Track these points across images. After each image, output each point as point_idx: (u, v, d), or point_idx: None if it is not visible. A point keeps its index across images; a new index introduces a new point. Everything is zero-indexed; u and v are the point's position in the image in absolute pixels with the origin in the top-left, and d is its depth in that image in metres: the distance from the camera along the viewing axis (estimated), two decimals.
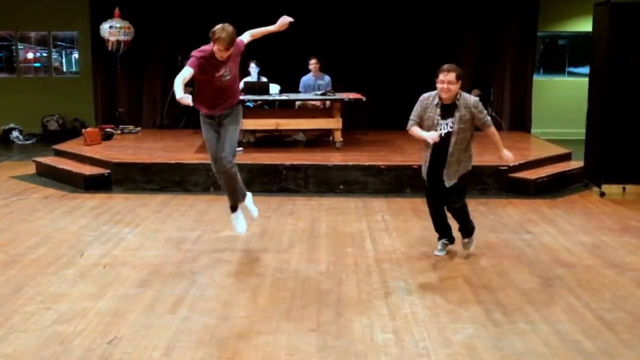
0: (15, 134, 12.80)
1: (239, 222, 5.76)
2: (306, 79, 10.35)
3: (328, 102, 9.83)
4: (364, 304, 4.55)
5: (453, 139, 5.15)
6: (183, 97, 4.99)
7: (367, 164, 8.23)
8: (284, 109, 10.28)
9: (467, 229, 5.56)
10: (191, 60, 5.25)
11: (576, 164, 8.89)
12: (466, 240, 5.62)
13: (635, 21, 7.73)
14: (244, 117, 9.14)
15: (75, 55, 14.02)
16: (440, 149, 5.19)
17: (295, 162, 8.30)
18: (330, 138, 9.80)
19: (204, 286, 4.89)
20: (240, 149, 9.11)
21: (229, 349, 3.86)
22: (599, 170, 8.07)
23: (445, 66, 5.07)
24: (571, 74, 13.41)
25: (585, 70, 10.63)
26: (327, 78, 10.29)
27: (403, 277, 5.09)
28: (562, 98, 12.80)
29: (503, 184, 8.10)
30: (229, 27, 5.16)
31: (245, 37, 5.56)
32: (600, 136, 8.03)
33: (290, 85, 10.41)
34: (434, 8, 11.87)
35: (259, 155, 8.78)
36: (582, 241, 6.09)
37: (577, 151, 9.07)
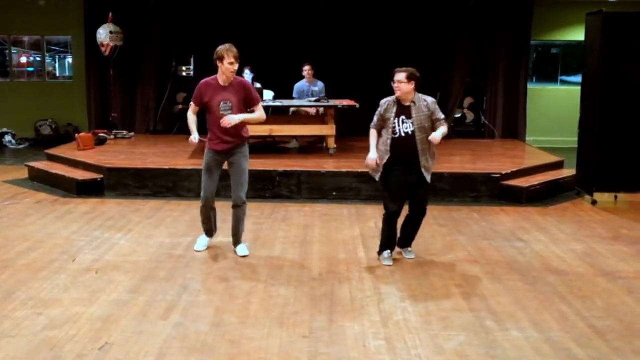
0: (8, 138, 12.77)
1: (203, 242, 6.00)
2: (300, 85, 10.35)
3: (322, 109, 9.85)
4: (356, 311, 4.55)
5: (417, 139, 5.29)
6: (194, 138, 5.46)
7: (360, 170, 8.22)
8: (278, 115, 10.28)
9: (414, 236, 5.69)
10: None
11: (568, 172, 8.93)
12: (410, 249, 5.71)
13: (627, 31, 7.80)
14: None
15: (69, 60, 14.00)
16: (403, 149, 5.30)
17: (289, 169, 8.30)
18: (324, 144, 9.81)
19: (196, 292, 4.88)
20: None
21: (221, 355, 3.85)
22: (591, 179, 8.10)
23: (398, 68, 5.38)
24: (564, 82, 13.50)
25: (578, 79, 10.70)
26: (320, 84, 10.29)
27: (396, 284, 5.10)
28: (555, 106, 12.90)
29: (496, 191, 8.13)
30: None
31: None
32: (592, 144, 8.07)
33: (284, 91, 10.42)
34: (428, 16, 11.91)
35: (253, 161, 8.61)
36: (573, 249, 6.12)
37: (570, 159, 9.11)
